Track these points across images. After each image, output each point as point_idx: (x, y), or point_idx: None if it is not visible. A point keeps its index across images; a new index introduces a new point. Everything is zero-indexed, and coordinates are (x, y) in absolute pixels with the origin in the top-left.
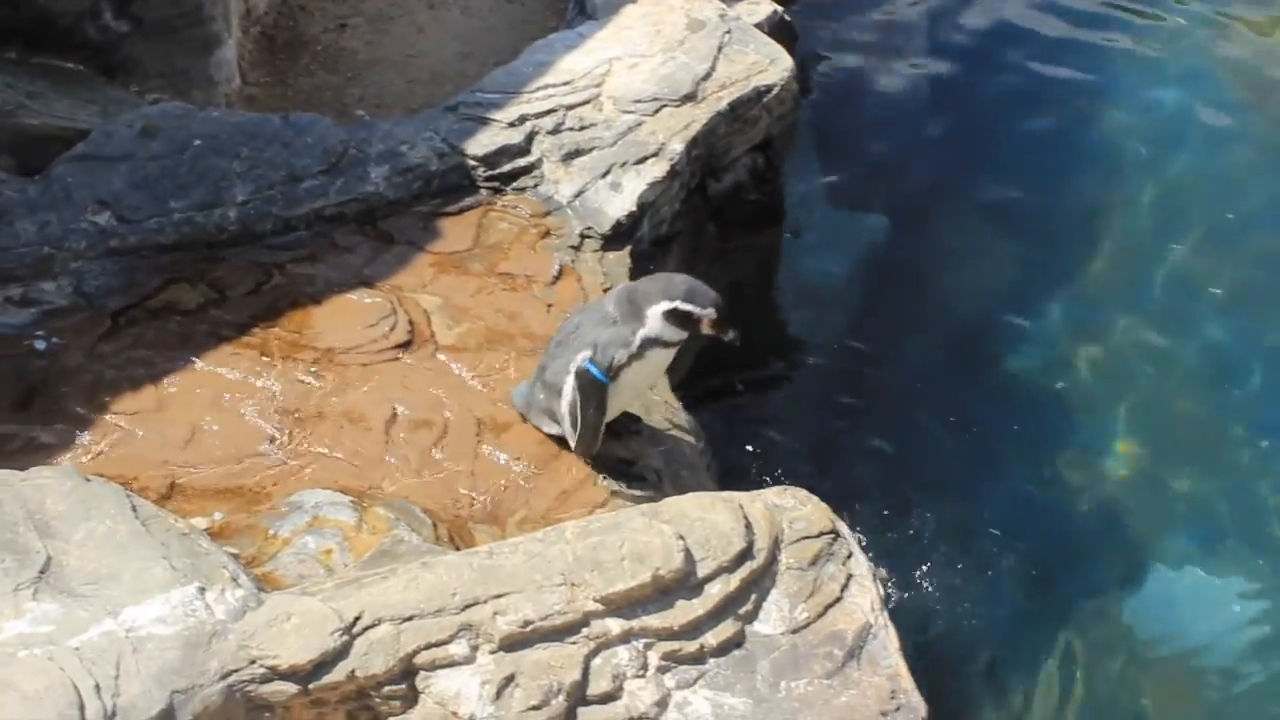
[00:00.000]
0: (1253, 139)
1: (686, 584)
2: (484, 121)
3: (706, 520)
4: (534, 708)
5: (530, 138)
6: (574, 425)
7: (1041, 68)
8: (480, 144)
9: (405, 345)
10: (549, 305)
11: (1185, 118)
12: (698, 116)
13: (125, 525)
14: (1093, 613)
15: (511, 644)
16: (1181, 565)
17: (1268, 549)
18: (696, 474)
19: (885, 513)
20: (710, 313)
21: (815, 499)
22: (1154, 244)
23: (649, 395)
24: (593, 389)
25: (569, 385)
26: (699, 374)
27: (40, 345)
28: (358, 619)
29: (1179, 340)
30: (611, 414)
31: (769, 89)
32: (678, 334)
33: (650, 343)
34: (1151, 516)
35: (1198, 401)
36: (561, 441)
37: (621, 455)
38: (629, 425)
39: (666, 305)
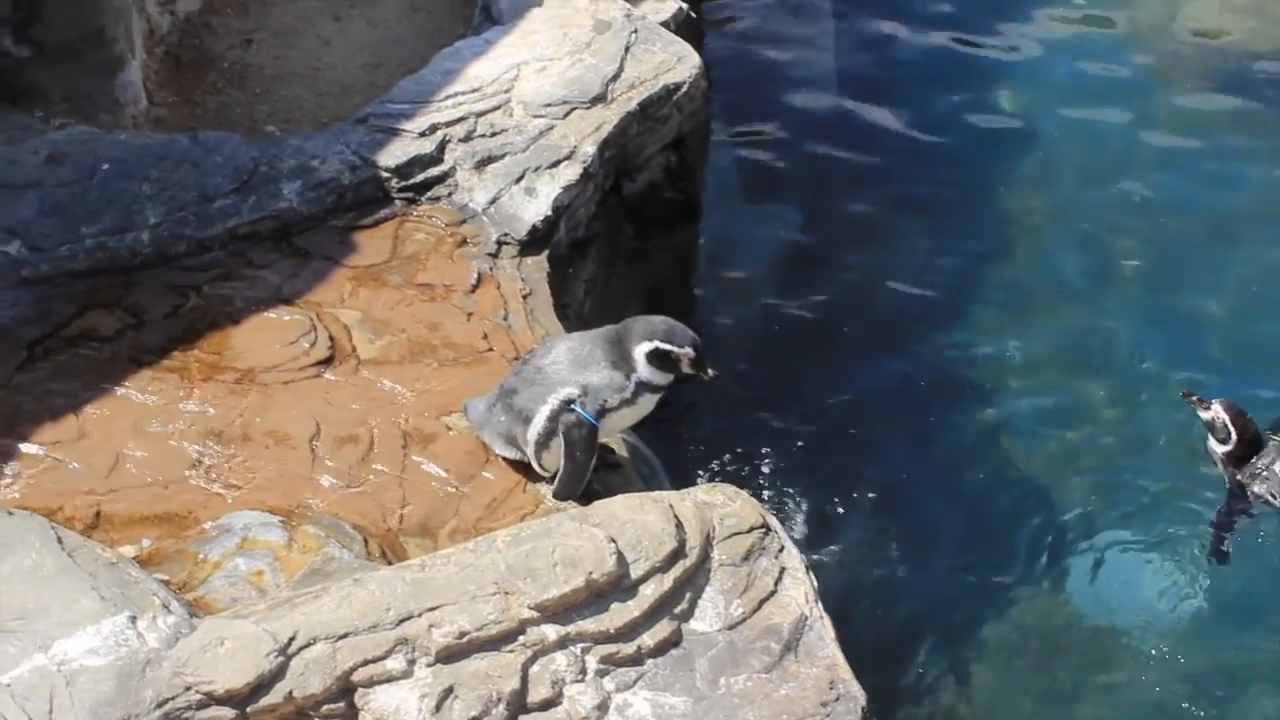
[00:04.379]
0: (1163, 114)
1: (620, 586)
2: (395, 132)
3: (637, 521)
4: (475, 718)
5: (442, 146)
6: (537, 452)
7: (954, 54)
8: (392, 155)
9: (327, 361)
10: (469, 314)
11: (1097, 94)
12: (608, 117)
13: (51, 557)
14: (1022, 592)
15: (449, 656)
16: (1106, 542)
17: (1183, 527)
18: (625, 475)
19: (815, 505)
20: (689, 351)
21: (744, 494)
22: (1069, 223)
23: None
24: (581, 431)
25: (542, 416)
26: None
27: None
28: (292, 639)
29: (1097, 319)
30: None
31: (678, 87)
32: (664, 377)
33: (643, 387)
34: (1074, 495)
35: (1119, 380)
36: (518, 466)
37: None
38: (605, 458)
39: (648, 346)
